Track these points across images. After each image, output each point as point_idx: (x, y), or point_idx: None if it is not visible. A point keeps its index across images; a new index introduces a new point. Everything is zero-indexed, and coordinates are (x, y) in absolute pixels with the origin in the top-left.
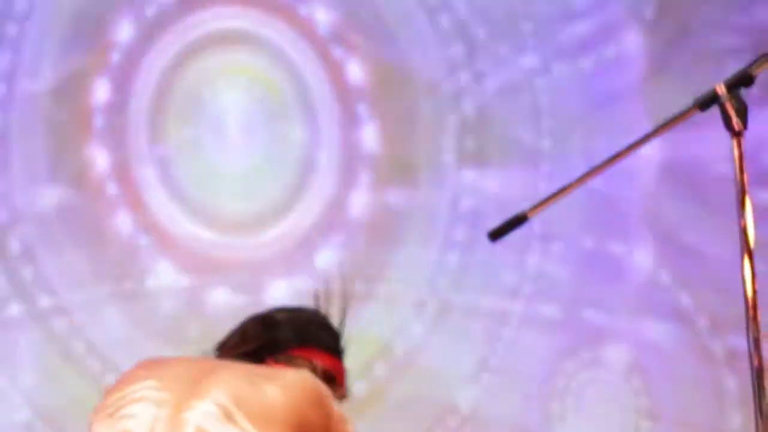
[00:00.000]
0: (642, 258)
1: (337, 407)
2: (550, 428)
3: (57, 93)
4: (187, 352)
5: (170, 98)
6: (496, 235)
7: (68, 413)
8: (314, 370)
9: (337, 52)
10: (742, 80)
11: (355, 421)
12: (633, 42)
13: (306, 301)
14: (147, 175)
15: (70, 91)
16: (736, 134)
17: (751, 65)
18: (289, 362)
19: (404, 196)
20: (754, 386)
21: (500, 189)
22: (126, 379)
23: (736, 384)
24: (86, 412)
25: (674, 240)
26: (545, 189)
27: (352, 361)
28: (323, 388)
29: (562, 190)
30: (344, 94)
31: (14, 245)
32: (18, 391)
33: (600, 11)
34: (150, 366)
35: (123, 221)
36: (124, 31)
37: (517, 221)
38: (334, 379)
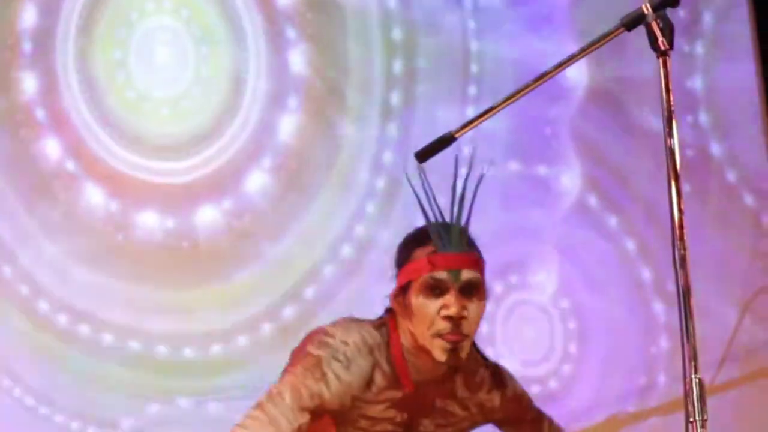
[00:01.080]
0: (569, 181)
1: (315, 349)
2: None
3: None
4: (116, 278)
5: (97, 21)
6: (423, 155)
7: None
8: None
9: None
10: (668, 1)
11: None
12: None
13: (231, 224)
14: (75, 99)
15: None
16: (662, 54)
17: None
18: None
19: (333, 120)
20: (680, 308)
21: (428, 113)
22: None
23: (663, 307)
24: (18, 337)
25: (601, 162)
26: (473, 113)
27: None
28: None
29: (489, 110)
30: (273, 16)
31: None
32: None
33: None
34: None
35: (51, 146)
36: None
37: (444, 142)
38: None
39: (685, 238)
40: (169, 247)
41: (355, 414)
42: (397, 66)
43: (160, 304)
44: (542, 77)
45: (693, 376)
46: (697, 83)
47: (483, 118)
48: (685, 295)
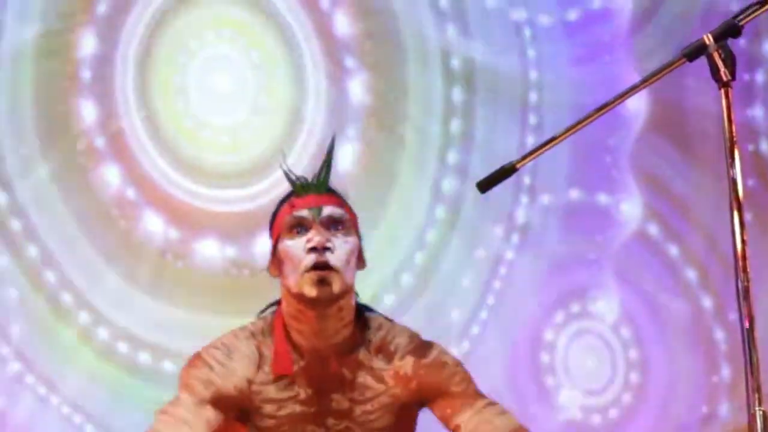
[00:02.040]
0: (629, 209)
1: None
2: (540, 380)
3: (43, 45)
4: (173, 305)
5: (157, 50)
6: (485, 185)
7: (57, 366)
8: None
9: (324, 4)
10: (730, 31)
11: None
12: None
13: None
14: (134, 126)
15: (56, 43)
16: (724, 85)
17: (738, 16)
18: None
19: (392, 148)
20: (744, 339)
21: (488, 141)
22: None
23: (725, 336)
24: (75, 366)
25: (662, 191)
26: (533, 141)
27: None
28: None
29: (550, 141)
30: (332, 45)
31: (1, 198)
32: (7, 343)
33: None
34: None
35: (111, 173)
36: None
37: (505, 172)
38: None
39: (748, 269)
40: (229, 275)
41: (258, 401)
42: (457, 94)
43: (220, 331)
44: (604, 107)
45: (757, 408)
46: (757, 112)
47: (545, 149)
48: (748, 326)
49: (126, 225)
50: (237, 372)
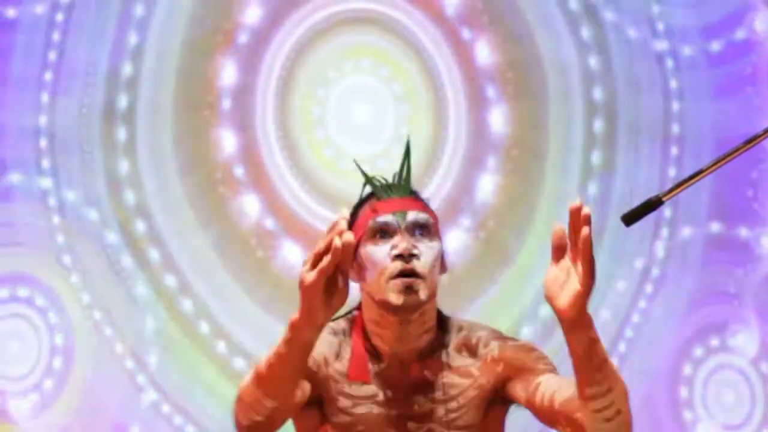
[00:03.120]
0: None
1: None
2: (678, 413)
3: (184, 74)
4: None
5: (297, 80)
6: (630, 219)
7: (194, 395)
8: None
9: (466, 33)
10: None
11: None
12: (763, 25)
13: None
14: (274, 156)
15: (197, 72)
16: None
17: None
18: None
19: (532, 179)
20: None
21: (629, 172)
22: None
23: None
24: (212, 395)
25: None
26: (674, 173)
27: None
28: None
29: (697, 174)
30: (473, 74)
31: (140, 226)
32: (145, 372)
33: None
34: None
35: (250, 203)
36: (252, 12)
37: (651, 205)
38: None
39: None
40: None
41: (334, 390)
42: (598, 125)
43: None
44: (752, 141)
45: None
46: None
47: (692, 182)
48: None
49: (264, 255)
50: (317, 348)
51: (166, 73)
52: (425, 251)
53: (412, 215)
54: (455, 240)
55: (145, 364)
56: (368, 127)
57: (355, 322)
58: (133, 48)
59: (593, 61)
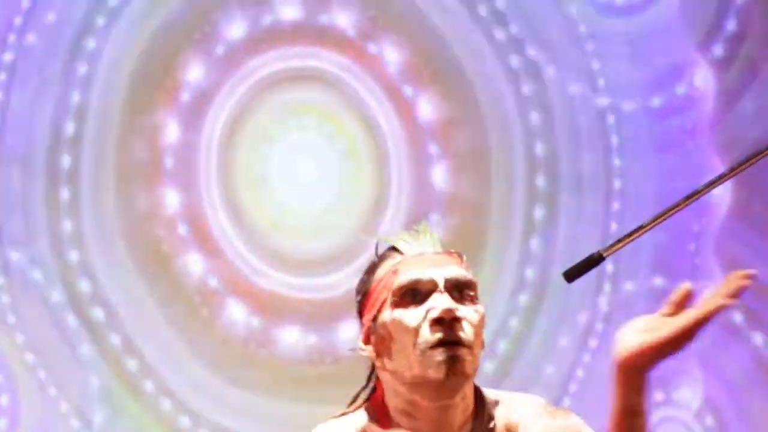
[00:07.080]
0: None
1: None
2: None
3: (127, 132)
4: (256, 393)
5: (240, 137)
6: (571, 275)
7: None
8: None
9: (407, 90)
10: None
11: None
12: (703, 80)
13: None
14: (217, 214)
15: (140, 130)
16: None
17: None
18: None
19: (474, 235)
20: None
21: (571, 228)
22: None
23: None
24: None
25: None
26: (616, 228)
27: None
28: None
29: (639, 229)
30: (415, 132)
31: (84, 286)
32: (90, 430)
33: (669, 52)
34: None
35: (194, 262)
36: (194, 70)
37: (592, 261)
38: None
39: None
40: (311, 363)
41: None
42: (540, 181)
43: (299, 418)
44: (691, 196)
45: None
46: None
47: (633, 237)
48: None
49: (209, 313)
50: None
51: (109, 131)
52: (469, 315)
53: (451, 271)
54: None
55: (90, 423)
56: (312, 184)
57: (374, 415)
58: (76, 106)
59: (534, 117)
